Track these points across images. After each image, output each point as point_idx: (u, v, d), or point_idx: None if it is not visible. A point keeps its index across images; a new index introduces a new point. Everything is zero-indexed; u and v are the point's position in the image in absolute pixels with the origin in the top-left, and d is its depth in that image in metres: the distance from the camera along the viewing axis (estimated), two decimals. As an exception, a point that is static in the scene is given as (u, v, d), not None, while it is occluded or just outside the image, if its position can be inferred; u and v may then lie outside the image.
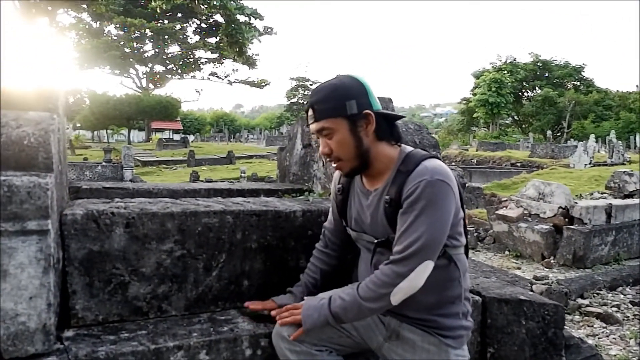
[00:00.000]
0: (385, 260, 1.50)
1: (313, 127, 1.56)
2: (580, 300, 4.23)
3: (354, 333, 1.67)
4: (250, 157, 26.30)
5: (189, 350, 1.65)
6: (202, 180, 14.38)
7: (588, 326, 3.76)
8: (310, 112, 1.55)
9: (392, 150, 1.58)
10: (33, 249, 1.42)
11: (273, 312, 1.72)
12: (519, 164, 18.95)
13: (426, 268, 1.43)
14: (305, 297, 1.69)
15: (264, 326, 1.80)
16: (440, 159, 1.55)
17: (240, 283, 1.97)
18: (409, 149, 1.59)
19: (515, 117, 50.74)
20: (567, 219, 5.76)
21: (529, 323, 2.22)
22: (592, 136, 20.54)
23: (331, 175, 1.90)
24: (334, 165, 1.60)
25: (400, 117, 1.64)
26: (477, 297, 2.22)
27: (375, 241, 1.59)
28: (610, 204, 5.86)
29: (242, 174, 16.14)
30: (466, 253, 1.63)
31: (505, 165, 18.85)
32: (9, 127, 1.59)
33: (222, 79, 45.53)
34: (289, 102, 61.15)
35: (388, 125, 1.57)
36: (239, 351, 1.73)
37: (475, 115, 47.16)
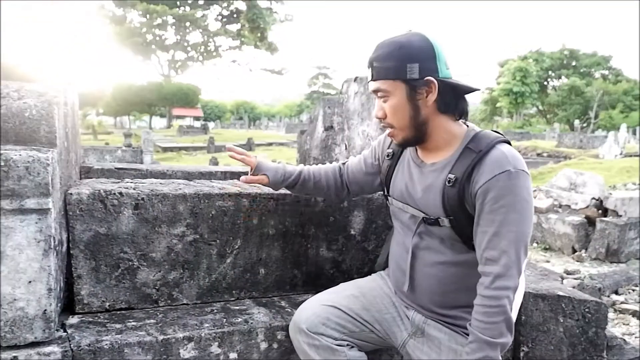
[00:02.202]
0: (436, 248, 1.41)
1: (370, 85, 1.42)
2: (614, 297, 4.02)
3: (377, 327, 1.54)
4: (270, 144, 26.24)
5: (200, 342, 1.53)
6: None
7: (624, 324, 3.56)
8: (370, 71, 1.40)
9: (456, 126, 1.40)
10: (32, 230, 1.31)
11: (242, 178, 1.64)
12: (545, 154, 18.47)
13: (524, 267, 1.32)
14: None
15: (280, 318, 1.68)
16: (510, 143, 1.38)
17: (256, 271, 1.84)
18: (477, 128, 1.41)
19: (540, 107, 49.67)
20: (600, 211, 5.51)
21: (568, 321, 2.05)
22: (623, 125, 19.86)
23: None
24: (387, 131, 1.45)
25: (474, 89, 1.40)
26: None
27: (423, 217, 1.43)
28: (646, 195, 5.58)
29: (262, 161, 16.04)
30: None
31: (531, 156, 18.38)
32: (10, 98, 1.48)
33: (243, 67, 45.50)
34: (309, 91, 60.95)
35: (454, 97, 1.37)
36: (253, 344, 1.61)
37: (498, 104, 46.28)
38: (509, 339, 1.30)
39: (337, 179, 1.71)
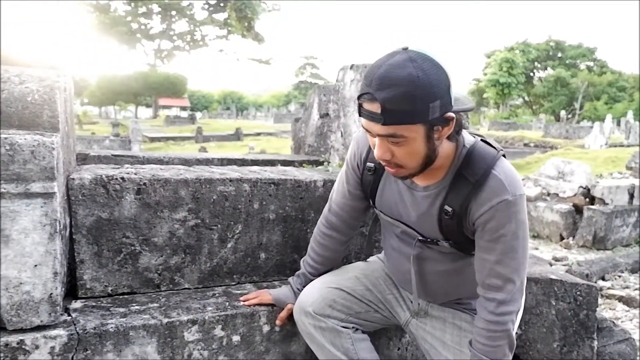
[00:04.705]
0: (437, 260, 1.40)
1: (376, 129, 1.16)
2: (601, 282, 4.11)
3: (381, 307, 1.57)
4: (258, 134, 26.12)
5: (204, 325, 1.55)
6: (210, 157, 14.25)
7: (610, 309, 3.65)
8: (374, 108, 1.12)
9: (449, 144, 1.26)
10: (38, 213, 1.31)
11: (242, 298, 1.67)
12: (532, 144, 18.69)
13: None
14: None
15: (283, 301, 1.70)
16: (504, 156, 1.29)
17: (257, 256, 1.86)
18: (467, 140, 1.29)
19: (526, 98, 50.08)
20: (587, 199, 5.61)
21: (560, 304, 2.10)
22: (609, 116, 20.12)
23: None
24: (386, 166, 1.27)
25: (471, 109, 1.25)
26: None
27: (420, 238, 1.41)
28: (633, 184, 5.69)
29: (251, 150, 16.03)
30: None
31: (518, 146, 18.60)
32: (12, 82, 1.47)
33: (230, 56, 45.13)
34: (297, 81, 60.70)
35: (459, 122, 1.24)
36: (256, 327, 1.63)
37: (485, 95, 46.55)
38: (510, 357, 1.34)
39: (336, 236, 1.61)
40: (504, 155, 1.29)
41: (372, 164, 1.43)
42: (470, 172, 1.25)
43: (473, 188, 1.24)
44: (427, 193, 1.33)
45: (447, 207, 1.29)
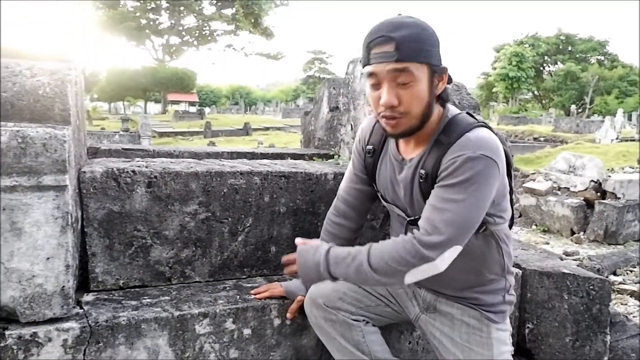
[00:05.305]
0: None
1: (388, 68, 1.21)
2: (612, 277, 4.07)
3: (392, 300, 1.56)
4: (267, 128, 26.15)
5: (215, 318, 1.55)
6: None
7: (622, 304, 3.61)
8: (387, 48, 1.20)
9: (437, 110, 1.33)
10: (50, 206, 1.32)
11: (253, 292, 1.67)
12: (542, 139, 18.50)
13: (453, 253, 1.24)
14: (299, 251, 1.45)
15: (294, 294, 1.69)
16: (489, 128, 1.30)
17: (267, 249, 1.86)
18: (452, 111, 1.34)
19: (536, 92, 49.64)
20: (598, 193, 5.56)
21: (572, 298, 2.08)
22: (620, 110, 19.91)
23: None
24: (387, 121, 1.28)
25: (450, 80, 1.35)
26: (516, 270, 2.09)
27: (408, 219, 1.41)
28: (645, 178, 5.62)
29: (260, 145, 16.05)
30: (511, 224, 1.48)
31: (528, 140, 18.43)
32: (23, 76, 1.47)
33: (238, 51, 45.13)
34: (305, 75, 60.64)
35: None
36: (267, 320, 1.63)
37: (494, 89, 46.20)
38: (381, 283, 1.31)
39: (345, 224, 1.62)
40: (488, 127, 1.30)
41: (371, 147, 1.50)
42: (446, 137, 1.28)
43: (445, 148, 1.26)
44: (410, 164, 1.36)
45: (421, 171, 1.31)
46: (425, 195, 1.31)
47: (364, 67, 1.28)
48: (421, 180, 1.31)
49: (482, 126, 1.29)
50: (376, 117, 1.35)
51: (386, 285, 1.38)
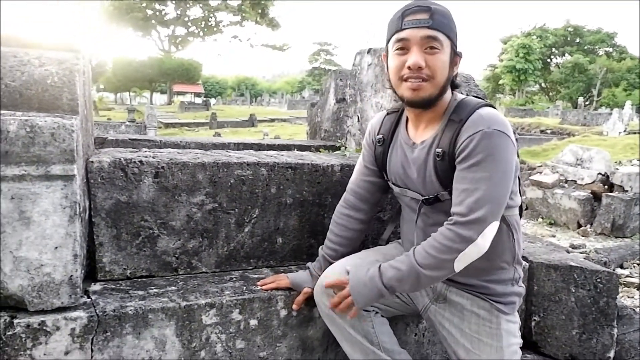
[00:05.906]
0: (444, 221, 1.34)
1: (420, 33, 1.32)
2: (619, 270, 4.06)
3: None
4: (272, 120, 26.14)
5: (222, 308, 1.56)
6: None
7: (628, 297, 3.61)
8: (422, 16, 1.33)
9: (448, 94, 1.43)
10: (58, 196, 1.32)
11: (259, 283, 1.69)
12: (549, 131, 18.38)
13: (493, 230, 1.29)
14: (348, 270, 1.49)
15: (300, 285, 1.70)
16: (494, 108, 1.39)
17: (274, 240, 1.86)
18: (460, 95, 1.43)
19: (543, 85, 49.23)
20: (606, 186, 5.52)
21: (579, 291, 2.07)
22: (628, 103, 19.71)
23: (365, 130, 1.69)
24: (412, 83, 1.35)
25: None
26: (524, 263, 2.08)
27: (422, 199, 1.44)
28: (653, 171, 5.58)
29: (265, 136, 16.04)
30: (520, 213, 1.49)
31: (535, 132, 18.31)
32: (31, 65, 1.47)
33: (244, 42, 45.00)
34: (310, 67, 60.45)
35: None
36: (273, 311, 1.64)
37: (501, 82, 45.86)
38: (434, 278, 1.34)
39: (355, 216, 1.64)
40: (493, 107, 1.38)
41: (380, 136, 1.57)
42: (457, 116, 1.36)
43: (459, 126, 1.34)
44: (423, 145, 1.43)
45: (437, 150, 1.37)
46: (441, 174, 1.37)
47: (394, 34, 1.37)
48: (438, 159, 1.37)
49: (489, 105, 1.38)
50: (399, 81, 1.39)
51: (439, 280, 1.39)
